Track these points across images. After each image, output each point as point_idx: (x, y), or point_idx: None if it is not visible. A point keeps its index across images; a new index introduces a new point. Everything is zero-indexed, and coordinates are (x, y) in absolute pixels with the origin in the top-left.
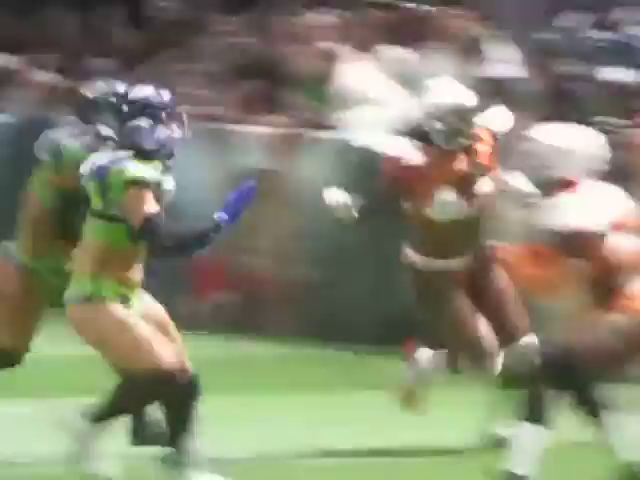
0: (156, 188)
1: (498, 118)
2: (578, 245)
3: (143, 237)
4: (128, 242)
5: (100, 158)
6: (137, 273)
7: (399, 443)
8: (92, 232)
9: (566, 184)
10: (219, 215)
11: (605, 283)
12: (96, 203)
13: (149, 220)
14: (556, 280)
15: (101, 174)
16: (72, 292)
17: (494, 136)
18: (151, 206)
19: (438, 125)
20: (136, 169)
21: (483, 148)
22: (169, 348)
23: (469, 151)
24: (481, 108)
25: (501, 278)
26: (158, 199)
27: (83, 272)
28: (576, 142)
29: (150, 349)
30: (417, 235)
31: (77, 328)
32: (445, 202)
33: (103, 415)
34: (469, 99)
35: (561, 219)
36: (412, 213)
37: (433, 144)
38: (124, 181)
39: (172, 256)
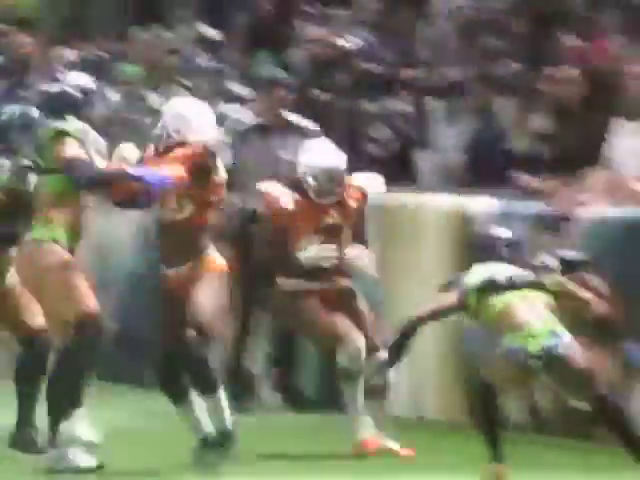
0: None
1: (372, 182)
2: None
3: (69, 176)
4: (69, 190)
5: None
6: (82, 222)
7: None
8: (42, 187)
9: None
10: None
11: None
12: (40, 163)
13: (71, 160)
14: None
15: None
16: (26, 237)
17: (364, 197)
18: (73, 150)
19: (311, 181)
20: (57, 124)
21: (352, 204)
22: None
23: (339, 205)
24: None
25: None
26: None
27: (36, 220)
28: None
29: (80, 292)
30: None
31: (21, 267)
32: (309, 251)
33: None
34: (340, 161)
35: None
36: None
37: (308, 196)
38: (49, 135)
39: (99, 193)
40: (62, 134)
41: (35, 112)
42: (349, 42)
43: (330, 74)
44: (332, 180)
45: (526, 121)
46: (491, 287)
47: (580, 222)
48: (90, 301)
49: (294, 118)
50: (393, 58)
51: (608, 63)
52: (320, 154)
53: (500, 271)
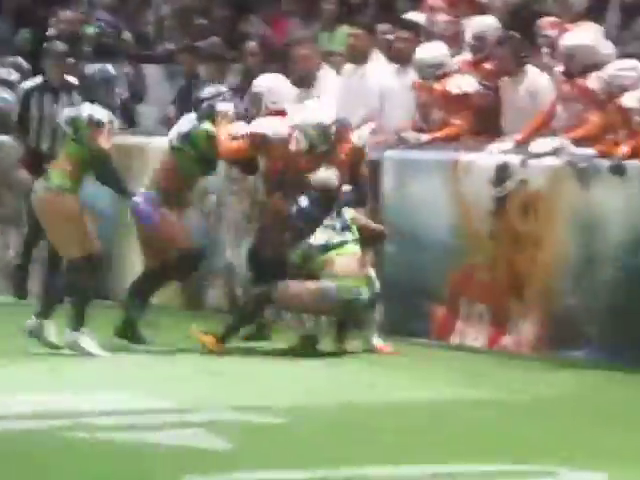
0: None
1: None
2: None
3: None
4: (85, 158)
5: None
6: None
7: None
8: (69, 147)
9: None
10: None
11: None
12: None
13: (104, 152)
14: None
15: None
16: (45, 184)
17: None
18: (105, 142)
19: (302, 136)
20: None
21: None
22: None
23: (329, 156)
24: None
25: None
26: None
27: (61, 171)
28: None
29: (89, 235)
30: None
31: (42, 209)
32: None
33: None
34: (328, 117)
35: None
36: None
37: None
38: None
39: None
40: (98, 124)
41: (112, 69)
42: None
43: (78, 46)
44: (322, 134)
45: (223, 80)
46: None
47: None
48: (94, 240)
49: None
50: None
51: (284, 41)
52: (311, 110)
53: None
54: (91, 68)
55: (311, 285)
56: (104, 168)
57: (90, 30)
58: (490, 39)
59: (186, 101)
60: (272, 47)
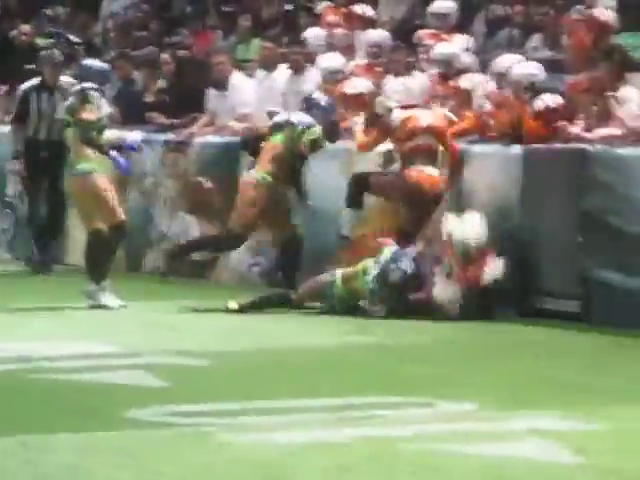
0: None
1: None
2: None
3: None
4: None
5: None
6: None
7: None
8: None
9: None
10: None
11: None
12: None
13: (85, 122)
14: None
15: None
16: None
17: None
18: (88, 114)
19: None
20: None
21: None
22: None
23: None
24: None
25: None
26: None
27: (75, 156)
28: None
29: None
30: None
31: (69, 191)
32: None
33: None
34: None
35: None
36: None
37: None
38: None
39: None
40: (84, 99)
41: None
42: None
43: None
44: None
45: (154, 83)
46: None
47: (195, 146)
48: (120, 211)
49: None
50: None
51: (205, 51)
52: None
53: None
54: (88, 61)
55: None
56: (86, 137)
57: (44, 41)
58: (385, 47)
59: (122, 101)
60: (194, 56)
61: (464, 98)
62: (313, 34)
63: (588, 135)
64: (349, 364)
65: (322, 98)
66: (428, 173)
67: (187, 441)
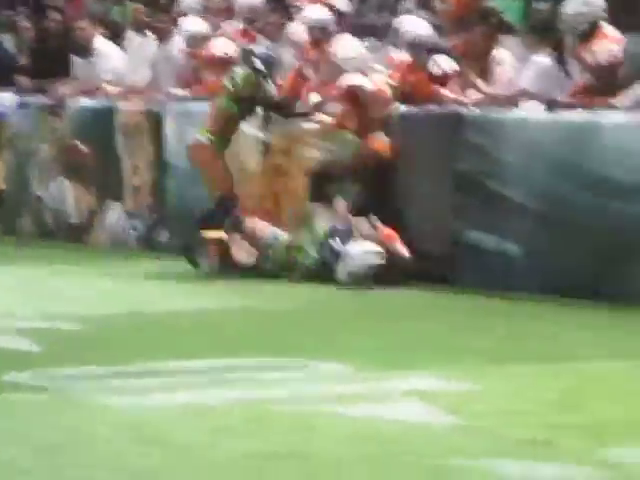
0: None
1: None
2: None
3: None
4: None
5: None
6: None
7: None
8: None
9: None
10: None
11: None
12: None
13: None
14: None
15: None
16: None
17: None
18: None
19: None
20: None
21: None
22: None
23: None
24: None
25: None
26: None
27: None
28: None
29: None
30: None
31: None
32: None
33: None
34: None
35: None
36: None
37: None
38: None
39: None
40: None
41: None
42: None
43: None
44: None
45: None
46: None
47: (70, 110)
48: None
49: None
50: None
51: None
52: None
53: None
54: None
55: None
56: None
57: None
58: (259, 11)
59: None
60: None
61: (336, 64)
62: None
63: (463, 99)
64: (225, 327)
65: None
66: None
67: (59, 404)
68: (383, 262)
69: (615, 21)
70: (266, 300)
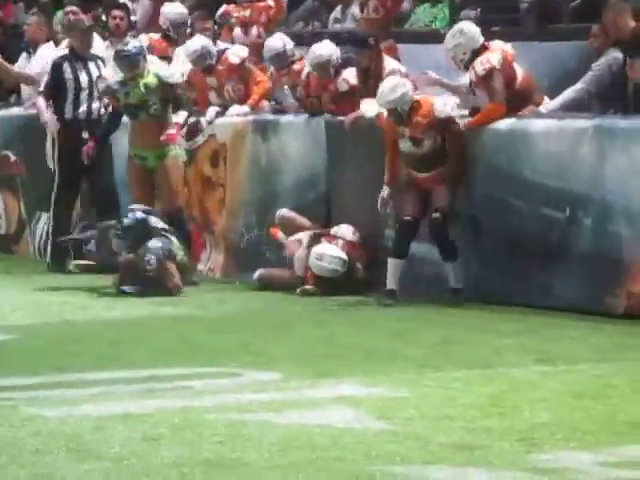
0: None
1: None
2: None
3: None
4: None
5: None
6: None
7: None
8: None
9: None
10: None
11: None
12: None
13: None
14: None
15: None
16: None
17: None
18: None
19: None
20: None
21: None
22: None
23: None
24: None
25: None
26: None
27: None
28: None
29: None
30: None
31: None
32: None
33: None
34: None
35: None
36: None
37: None
38: None
39: None
40: None
41: None
42: None
43: None
44: None
45: None
46: None
47: None
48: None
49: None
50: None
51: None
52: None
53: None
54: None
55: None
56: None
57: None
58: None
59: None
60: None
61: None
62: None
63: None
64: (156, 335)
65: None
66: None
67: None
68: (344, 270)
69: (539, 29)
70: (197, 307)
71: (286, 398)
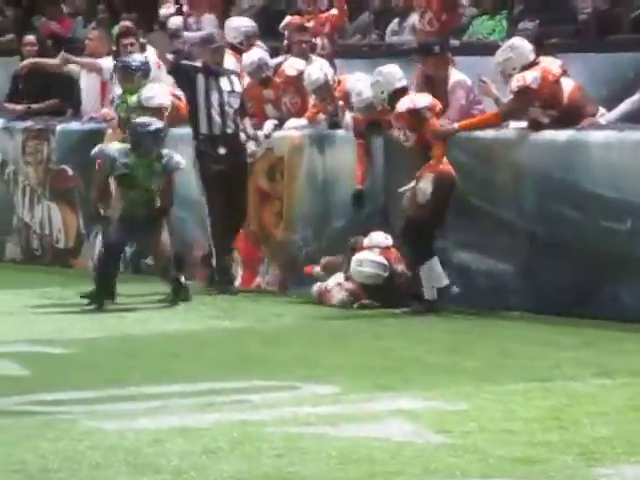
0: None
1: None
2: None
3: None
4: None
5: None
6: None
7: None
8: None
9: None
10: None
11: None
12: None
13: None
14: None
15: None
16: None
17: None
18: None
19: None
20: None
21: None
22: None
23: None
24: None
25: None
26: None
27: None
28: None
29: None
30: None
31: None
32: None
33: None
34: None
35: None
36: None
37: None
38: None
39: None
40: None
41: None
42: None
43: None
44: None
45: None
46: None
47: (56, 133)
48: None
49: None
50: None
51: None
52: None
53: None
54: None
55: None
56: None
57: None
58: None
59: None
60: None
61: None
62: (174, 21)
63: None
64: (213, 349)
65: None
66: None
67: (50, 429)
68: (386, 275)
69: (598, 40)
70: (254, 321)
71: (344, 411)
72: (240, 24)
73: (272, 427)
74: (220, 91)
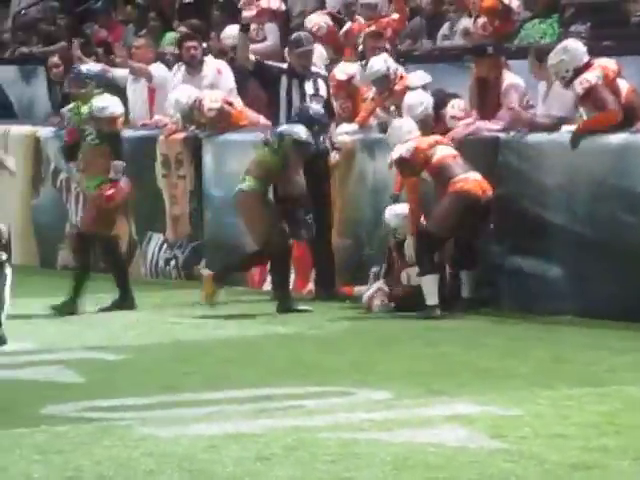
0: None
1: None
2: None
3: None
4: None
5: None
6: None
7: None
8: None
9: None
10: None
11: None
12: None
13: None
14: None
15: None
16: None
17: None
18: None
19: None
20: None
21: None
22: None
23: None
24: None
25: None
26: None
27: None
28: None
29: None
30: None
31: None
32: None
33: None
34: None
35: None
36: None
37: None
38: None
39: None
40: None
41: None
42: None
43: None
44: None
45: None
46: None
47: None
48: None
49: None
50: None
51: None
52: None
53: None
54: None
55: None
56: None
57: None
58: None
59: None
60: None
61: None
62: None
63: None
64: (267, 355)
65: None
66: (473, 178)
67: (105, 435)
68: None
69: None
70: (308, 326)
71: (398, 417)
72: None
73: (326, 433)
74: (303, 94)
